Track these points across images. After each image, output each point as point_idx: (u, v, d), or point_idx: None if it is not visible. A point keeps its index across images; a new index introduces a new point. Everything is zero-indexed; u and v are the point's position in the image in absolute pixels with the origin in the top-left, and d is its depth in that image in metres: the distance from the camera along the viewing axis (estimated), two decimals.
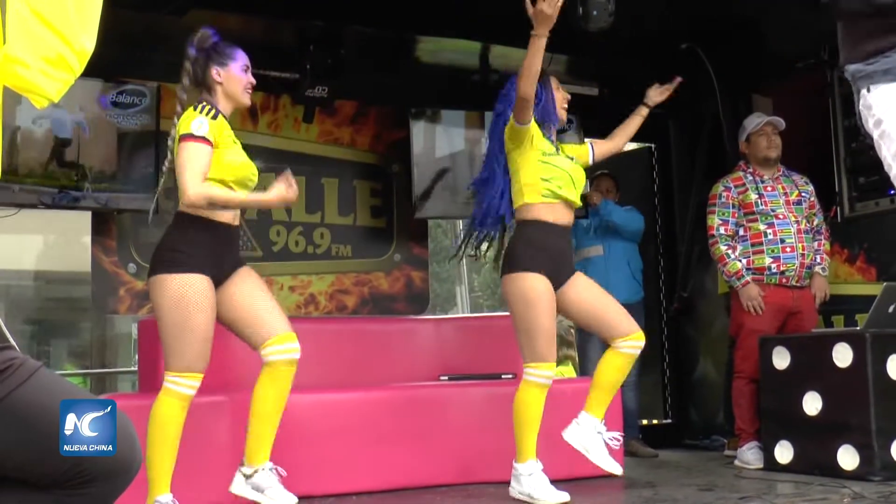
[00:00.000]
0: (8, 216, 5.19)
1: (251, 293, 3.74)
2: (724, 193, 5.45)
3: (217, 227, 3.68)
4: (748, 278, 5.33)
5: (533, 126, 4.21)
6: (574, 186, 4.27)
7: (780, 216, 5.37)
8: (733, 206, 5.43)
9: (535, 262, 4.13)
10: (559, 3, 3.97)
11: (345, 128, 6.13)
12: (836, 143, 5.88)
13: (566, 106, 4.41)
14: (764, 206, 5.38)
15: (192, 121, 3.58)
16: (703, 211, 5.84)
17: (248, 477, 3.70)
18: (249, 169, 3.75)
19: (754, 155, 5.50)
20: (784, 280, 5.34)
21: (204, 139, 3.56)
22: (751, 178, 5.45)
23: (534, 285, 4.11)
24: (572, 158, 4.37)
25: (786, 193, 5.44)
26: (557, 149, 4.32)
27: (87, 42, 1.85)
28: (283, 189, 3.59)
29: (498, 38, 5.86)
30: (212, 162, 3.60)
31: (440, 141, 6.16)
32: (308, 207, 5.99)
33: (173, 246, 3.65)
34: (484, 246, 4.58)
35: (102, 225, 5.44)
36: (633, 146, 6.89)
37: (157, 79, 5.40)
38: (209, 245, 3.65)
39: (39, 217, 7.69)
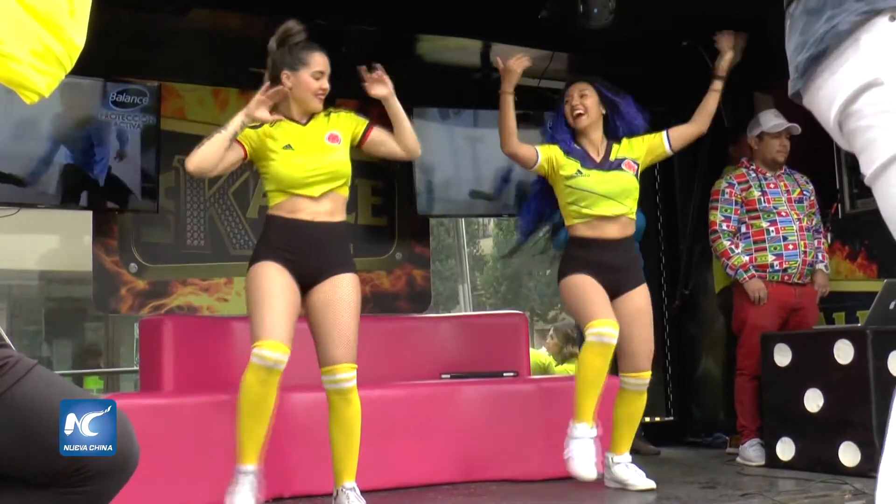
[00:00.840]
0: (8, 215, 5.18)
1: (321, 311, 3.82)
2: (728, 190, 5.45)
3: (287, 224, 3.81)
4: (753, 272, 5.33)
5: (552, 152, 4.35)
6: (608, 198, 4.30)
7: (783, 214, 5.37)
8: (736, 203, 5.44)
9: (576, 269, 4.30)
10: (525, 63, 4.27)
11: None
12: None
13: (579, 112, 4.40)
14: (767, 204, 5.38)
15: None
16: (704, 208, 5.83)
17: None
18: (298, 173, 3.81)
19: (763, 154, 5.49)
20: (786, 277, 5.35)
21: (236, 141, 3.78)
22: (754, 175, 5.45)
23: (576, 280, 4.28)
24: (622, 161, 4.38)
25: (788, 191, 5.44)
26: (582, 166, 4.34)
27: (77, 36, 1.82)
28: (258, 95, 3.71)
29: (500, 36, 5.85)
30: (269, 172, 3.84)
31: (442, 139, 6.15)
32: None
33: (257, 244, 3.95)
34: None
35: (104, 224, 5.44)
36: None
37: (159, 78, 5.40)
38: (280, 240, 3.81)
39: (40, 216, 7.68)
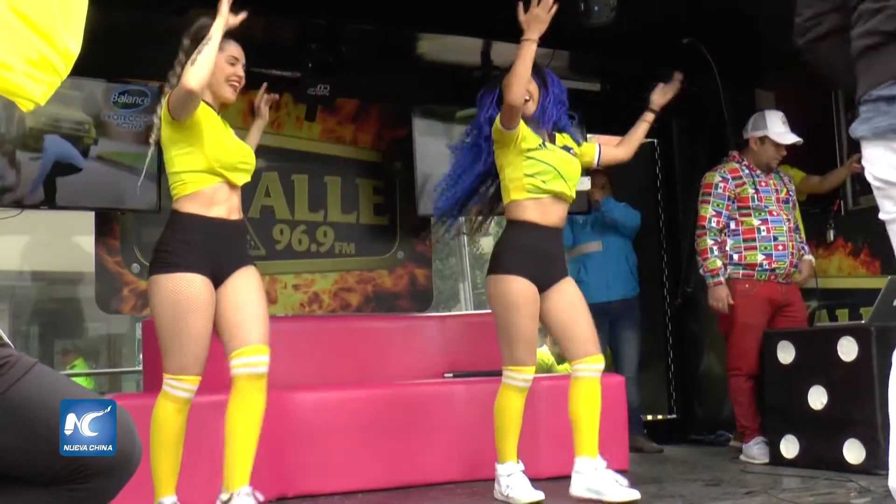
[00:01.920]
0: (11, 217, 5.18)
1: (239, 297, 3.58)
2: (721, 184, 5.42)
3: (211, 224, 3.58)
4: (722, 279, 5.33)
5: (521, 125, 4.12)
6: (563, 179, 4.13)
7: (774, 213, 5.38)
8: (728, 199, 5.42)
9: (520, 265, 4.04)
10: (553, 8, 3.93)
11: (347, 126, 6.12)
12: (839, 137, 5.87)
13: (526, 98, 4.14)
14: (759, 202, 5.38)
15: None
16: None
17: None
18: (239, 154, 3.67)
19: (758, 155, 5.47)
20: (773, 277, 5.36)
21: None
22: (747, 171, 5.44)
23: (516, 289, 4.03)
24: (569, 149, 4.24)
25: (777, 191, 5.45)
26: (545, 140, 4.17)
27: (72, 44, 1.82)
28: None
29: (499, 34, 5.83)
30: (197, 151, 3.57)
31: (442, 138, 6.14)
32: (311, 206, 5.99)
33: (167, 245, 3.57)
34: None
35: (105, 225, 5.44)
36: None
37: (159, 78, 5.37)
38: (203, 242, 3.55)
39: (43, 217, 7.69)
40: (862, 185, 5.72)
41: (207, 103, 3.66)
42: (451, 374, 5.17)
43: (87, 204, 5.31)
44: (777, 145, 5.43)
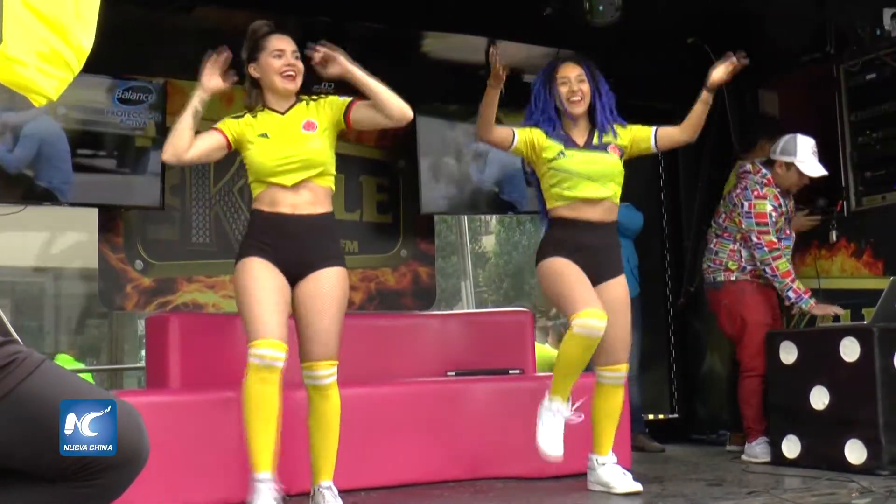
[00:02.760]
0: (14, 213, 5.19)
1: (304, 306, 3.79)
2: (773, 213, 5.30)
3: (268, 218, 3.77)
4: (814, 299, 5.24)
5: (533, 135, 4.22)
6: (590, 180, 4.17)
7: (787, 233, 5.38)
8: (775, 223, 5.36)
9: (556, 252, 4.16)
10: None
11: None
12: (842, 138, 5.86)
13: (576, 98, 4.21)
14: (783, 223, 5.36)
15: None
16: (710, 205, 5.83)
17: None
18: (271, 161, 3.77)
19: (782, 179, 5.35)
20: (772, 287, 5.36)
21: (214, 128, 3.83)
22: (783, 200, 5.36)
23: (555, 264, 4.15)
24: (606, 146, 4.24)
25: (790, 210, 5.44)
26: (566, 147, 4.20)
27: (84, 39, 1.84)
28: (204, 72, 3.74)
29: (504, 33, 5.84)
30: (248, 163, 3.84)
31: (446, 137, 6.15)
32: None
33: (242, 240, 3.92)
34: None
35: (109, 221, 5.44)
36: None
37: (164, 75, 5.40)
38: (262, 234, 3.76)
39: (46, 213, 7.69)
40: (865, 186, 5.73)
41: (272, 109, 3.85)
42: (453, 373, 5.17)
43: (90, 200, 5.31)
44: (802, 174, 5.32)
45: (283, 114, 3.85)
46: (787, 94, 6.29)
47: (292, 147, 3.78)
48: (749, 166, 5.45)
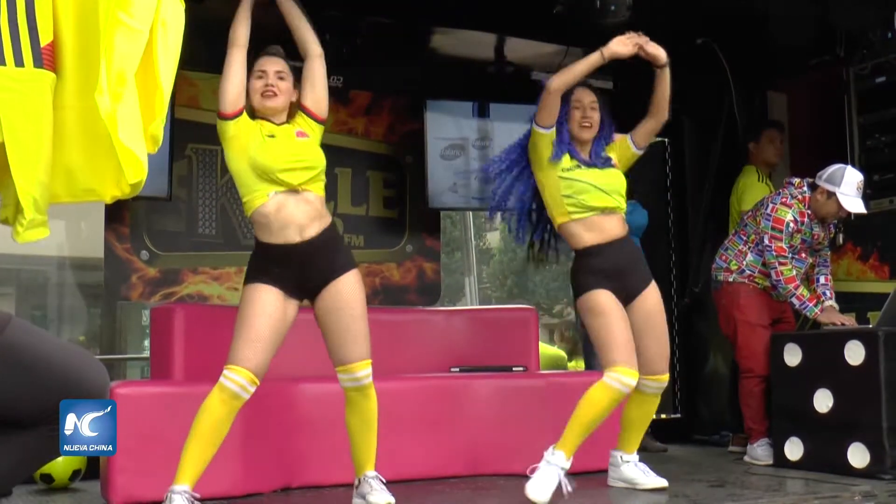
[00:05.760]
0: None
1: (330, 317, 3.84)
2: (791, 224, 5.22)
3: (270, 249, 3.80)
4: (820, 306, 5.16)
5: (551, 138, 4.25)
6: (605, 192, 4.23)
7: (802, 256, 5.31)
8: (789, 234, 5.31)
9: (595, 282, 4.19)
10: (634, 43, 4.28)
11: (359, 118, 6.12)
12: (850, 140, 5.87)
13: (586, 124, 4.30)
14: (798, 246, 5.29)
15: None
16: (715, 206, 5.82)
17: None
18: (281, 160, 3.81)
19: (821, 206, 5.22)
20: (774, 294, 5.35)
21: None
22: (808, 220, 5.26)
23: (601, 299, 4.17)
24: (609, 159, 4.33)
25: (813, 238, 5.34)
26: (581, 161, 4.27)
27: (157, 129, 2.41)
28: None
29: (514, 30, 5.85)
30: (235, 159, 3.88)
31: (454, 133, 6.16)
32: None
33: (249, 261, 3.95)
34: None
35: (116, 211, 5.44)
36: None
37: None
38: (269, 263, 3.80)
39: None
40: (873, 189, 5.72)
41: (272, 122, 3.93)
42: (457, 369, 5.17)
43: None
44: (841, 207, 5.17)
45: (278, 125, 3.95)
46: (796, 97, 6.29)
47: (297, 149, 3.88)
48: (795, 180, 5.38)
